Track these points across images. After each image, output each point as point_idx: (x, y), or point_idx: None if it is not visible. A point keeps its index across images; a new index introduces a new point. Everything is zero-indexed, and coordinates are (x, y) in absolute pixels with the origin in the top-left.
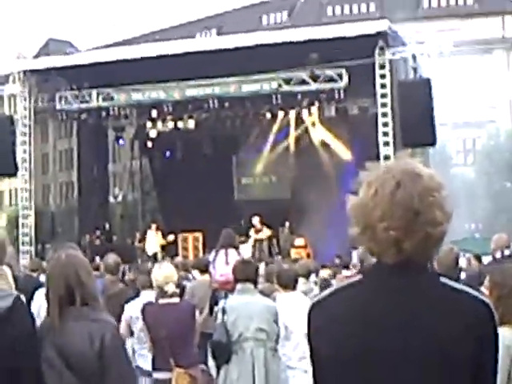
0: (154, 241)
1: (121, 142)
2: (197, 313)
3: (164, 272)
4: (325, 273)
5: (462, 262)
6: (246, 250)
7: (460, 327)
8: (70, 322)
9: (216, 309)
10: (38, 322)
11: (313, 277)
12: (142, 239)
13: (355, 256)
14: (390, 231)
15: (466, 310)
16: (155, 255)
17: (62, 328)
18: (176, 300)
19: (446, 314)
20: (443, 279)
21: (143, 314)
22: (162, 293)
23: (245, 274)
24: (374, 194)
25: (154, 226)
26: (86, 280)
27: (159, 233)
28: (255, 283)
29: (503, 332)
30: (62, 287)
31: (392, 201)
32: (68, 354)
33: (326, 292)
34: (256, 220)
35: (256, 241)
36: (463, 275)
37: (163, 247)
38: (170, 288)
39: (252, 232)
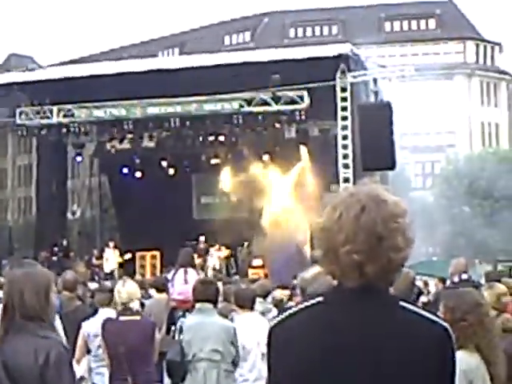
0: (111, 258)
1: (78, 158)
2: (156, 331)
3: (128, 289)
4: (280, 293)
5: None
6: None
7: (418, 351)
8: (13, 335)
9: (173, 328)
10: None
11: (270, 297)
12: (100, 257)
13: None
14: (352, 255)
15: (425, 334)
16: (112, 273)
17: (6, 342)
18: (137, 317)
19: (405, 337)
20: (402, 303)
21: (103, 329)
22: (126, 310)
23: (205, 294)
24: (338, 218)
25: (111, 244)
26: (28, 298)
27: (117, 251)
28: (215, 303)
29: (459, 356)
30: (5, 303)
31: (356, 225)
32: (12, 368)
33: (286, 313)
34: (201, 239)
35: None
36: (423, 298)
37: (121, 265)
38: (135, 305)
39: (213, 250)
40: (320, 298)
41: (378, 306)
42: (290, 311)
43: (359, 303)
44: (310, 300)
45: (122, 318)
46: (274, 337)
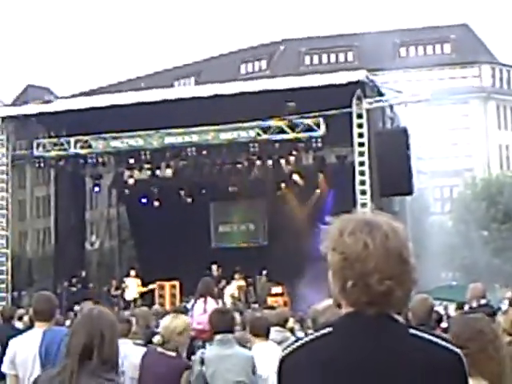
0: (132, 287)
1: (96, 189)
2: (187, 372)
3: (179, 323)
4: (292, 322)
5: (440, 311)
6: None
7: (430, 377)
8: (84, 378)
9: (193, 358)
10: (14, 371)
11: (289, 324)
12: (119, 287)
13: None
14: (384, 281)
15: (436, 361)
16: (135, 301)
17: (75, 383)
18: (173, 353)
19: (417, 364)
20: (413, 330)
21: (142, 361)
22: (165, 343)
23: (222, 324)
24: (364, 247)
25: (133, 273)
26: (108, 340)
27: (138, 280)
28: (232, 332)
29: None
30: (84, 344)
31: (384, 252)
32: None
33: (297, 343)
34: (214, 268)
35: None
36: (444, 324)
37: (142, 294)
38: (168, 336)
39: (231, 279)
40: (330, 328)
41: (390, 333)
42: (301, 341)
43: (372, 331)
44: (321, 330)
45: (159, 350)
46: (284, 366)
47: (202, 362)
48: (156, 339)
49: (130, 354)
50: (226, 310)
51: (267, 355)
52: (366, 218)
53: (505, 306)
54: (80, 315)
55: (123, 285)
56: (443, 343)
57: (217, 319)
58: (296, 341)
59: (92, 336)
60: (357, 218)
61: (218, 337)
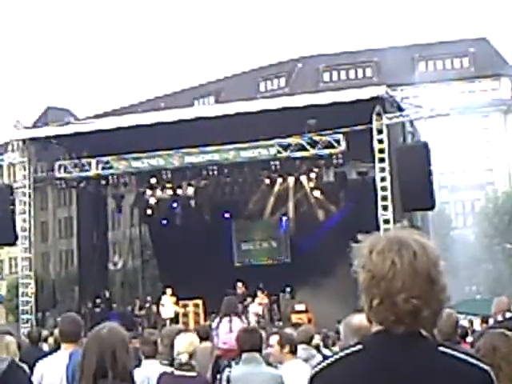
0: (168, 305)
1: (118, 209)
2: None
3: (182, 341)
4: (317, 338)
5: (465, 325)
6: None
7: None
8: None
9: (219, 377)
10: None
11: (315, 341)
12: (143, 307)
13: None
14: (411, 300)
15: (466, 379)
16: (171, 320)
17: None
18: (193, 374)
19: (446, 382)
20: (442, 348)
21: (158, 383)
22: (182, 365)
23: (250, 343)
24: (391, 265)
25: (169, 291)
26: (120, 357)
27: (174, 298)
28: (260, 351)
29: None
30: (97, 363)
31: (412, 271)
32: None
33: (326, 361)
34: (239, 285)
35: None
36: (470, 338)
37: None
38: (183, 358)
39: (255, 297)
40: (360, 346)
41: (419, 351)
42: (332, 359)
43: (401, 350)
44: (351, 348)
45: (176, 373)
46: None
47: (229, 380)
48: (181, 358)
49: (156, 374)
50: (254, 328)
51: (296, 373)
52: (396, 236)
53: None
54: (90, 334)
55: (161, 302)
56: (472, 360)
57: (244, 338)
58: (326, 358)
59: (104, 354)
60: (388, 236)
61: (244, 355)
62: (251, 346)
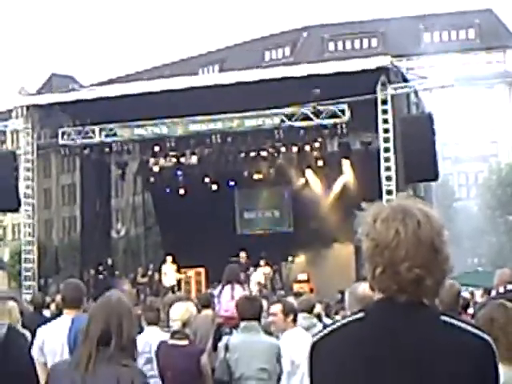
0: (170, 273)
1: (121, 176)
2: (204, 356)
3: (175, 310)
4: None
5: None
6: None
7: (461, 366)
8: (102, 364)
9: (219, 344)
10: (43, 358)
11: (316, 310)
12: (145, 274)
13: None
14: (414, 269)
15: (467, 349)
16: (173, 288)
17: (92, 369)
18: (185, 342)
19: (447, 353)
20: (444, 317)
21: (156, 352)
22: (174, 333)
23: (249, 311)
24: (395, 234)
25: (169, 259)
26: (127, 327)
27: (175, 266)
28: (259, 320)
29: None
30: (102, 330)
31: (416, 240)
32: None
33: (327, 329)
34: (242, 255)
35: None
36: (471, 310)
37: (178, 281)
38: (176, 325)
39: (257, 265)
40: (362, 314)
41: (421, 320)
42: (334, 326)
43: (401, 319)
44: (353, 315)
45: (170, 342)
46: (316, 351)
47: (227, 348)
48: (174, 326)
49: (156, 341)
50: (254, 297)
51: (298, 341)
52: (400, 205)
53: None
54: (98, 301)
55: (163, 271)
56: (474, 330)
57: (244, 306)
58: (327, 326)
59: (110, 322)
60: (392, 205)
61: (243, 323)
62: (251, 314)
